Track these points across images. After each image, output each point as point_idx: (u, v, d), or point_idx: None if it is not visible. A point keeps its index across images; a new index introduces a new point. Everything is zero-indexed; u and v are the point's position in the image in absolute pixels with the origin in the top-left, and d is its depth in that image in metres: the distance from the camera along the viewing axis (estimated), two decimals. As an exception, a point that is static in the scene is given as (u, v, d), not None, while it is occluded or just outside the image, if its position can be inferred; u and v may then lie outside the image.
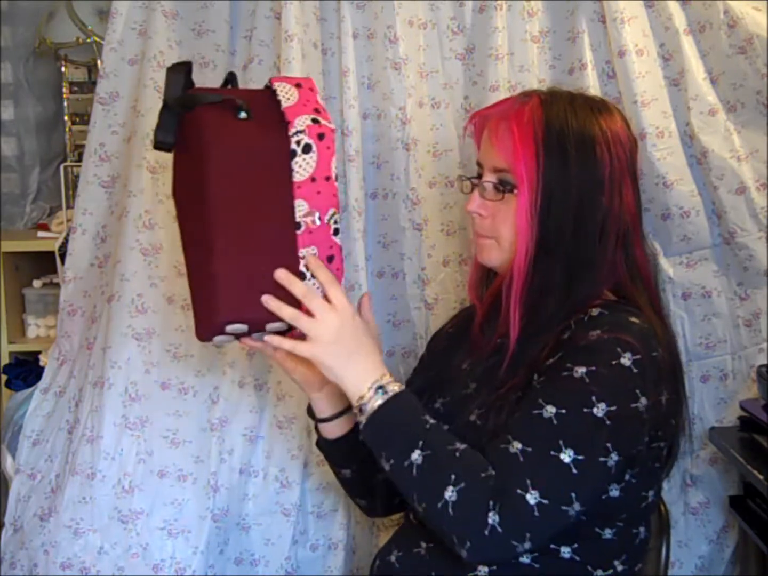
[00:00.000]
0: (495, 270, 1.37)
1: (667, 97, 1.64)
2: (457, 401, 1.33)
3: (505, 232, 1.30)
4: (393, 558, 1.32)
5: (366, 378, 1.24)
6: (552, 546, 1.23)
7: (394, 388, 1.24)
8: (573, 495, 1.15)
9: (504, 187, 1.28)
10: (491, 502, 1.14)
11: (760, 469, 1.46)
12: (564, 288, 1.26)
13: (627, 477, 1.24)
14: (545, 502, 1.13)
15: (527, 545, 1.15)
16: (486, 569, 1.23)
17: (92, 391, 1.66)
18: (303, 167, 1.24)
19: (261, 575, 1.67)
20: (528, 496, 1.13)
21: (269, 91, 1.30)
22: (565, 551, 1.24)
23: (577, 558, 1.24)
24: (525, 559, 1.22)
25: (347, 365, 1.24)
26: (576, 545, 1.24)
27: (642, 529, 1.30)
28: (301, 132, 1.24)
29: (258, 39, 1.68)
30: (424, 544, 1.28)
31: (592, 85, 1.64)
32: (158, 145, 1.30)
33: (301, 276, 1.26)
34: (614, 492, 1.23)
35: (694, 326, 1.67)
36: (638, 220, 1.33)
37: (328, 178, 1.26)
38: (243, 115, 1.25)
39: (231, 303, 1.24)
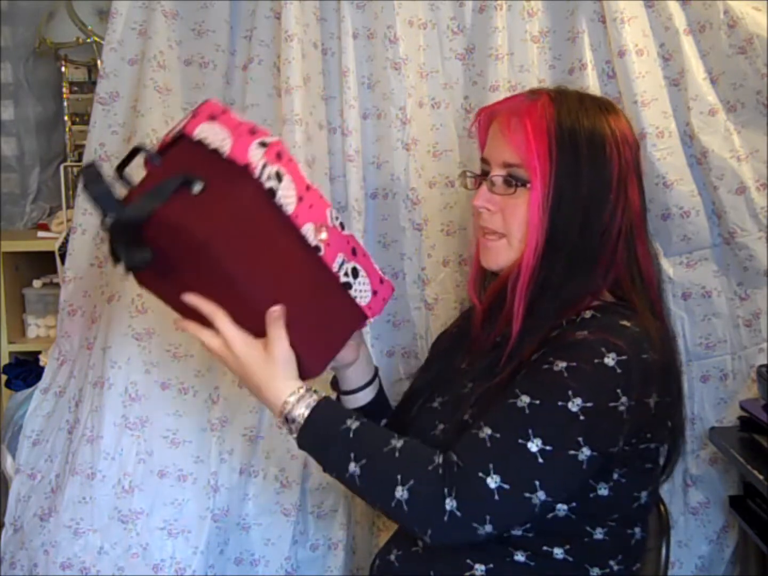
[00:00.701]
0: (498, 272, 1.36)
1: (667, 97, 1.64)
2: (455, 401, 1.33)
3: (514, 228, 1.29)
4: (392, 557, 1.32)
5: (275, 409, 1.22)
6: (545, 548, 1.23)
7: (301, 410, 1.20)
8: (536, 483, 1.15)
9: (515, 181, 1.28)
10: (446, 489, 1.14)
11: (760, 469, 1.46)
12: (562, 284, 1.26)
13: (615, 477, 1.23)
14: (506, 486, 1.14)
15: (488, 528, 1.15)
16: (483, 567, 1.23)
17: (92, 391, 1.66)
18: (287, 196, 1.17)
19: (261, 575, 1.67)
20: (489, 480, 1.14)
21: (190, 143, 1.17)
22: (558, 552, 1.24)
23: (570, 558, 1.24)
24: (520, 558, 1.23)
25: (260, 395, 1.23)
26: (568, 546, 1.24)
27: (637, 530, 1.30)
28: (264, 167, 1.15)
29: (258, 39, 1.68)
30: (421, 543, 1.28)
31: (592, 85, 1.64)
32: (137, 267, 1.18)
33: (347, 286, 1.25)
34: (603, 491, 1.23)
35: (694, 326, 1.67)
36: (643, 219, 1.33)
37: (308, 188, 1.20)
38: (198, 187, 1.13)
39: (313, 359, 1.25)
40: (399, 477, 1.16)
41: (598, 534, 1.25)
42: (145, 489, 1.62)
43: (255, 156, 1.14)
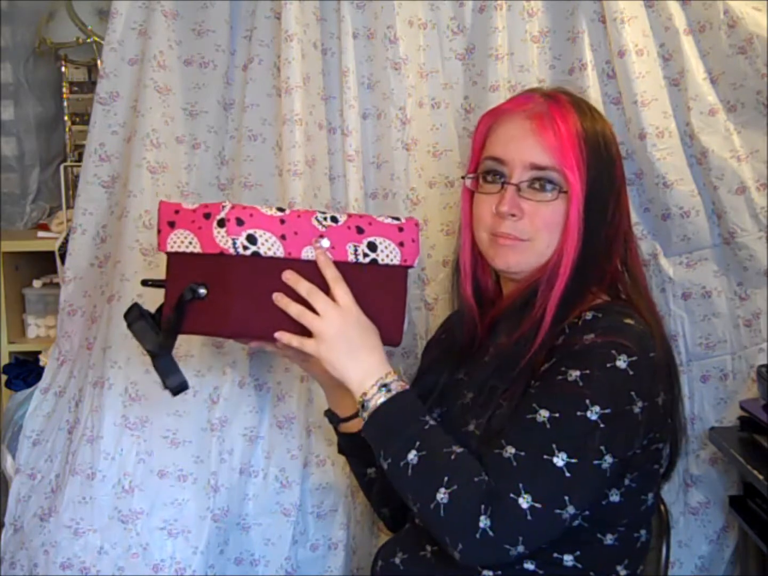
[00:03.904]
0: (511, 277, 1.33)
1: (667, 97, 1.64)
2: (455, 411, 1.32)
3: (544, 234, 1.26)
4: (397, 560, 1.32)
5: (370, 375, 1.24)
6: (555, 555, 1.23)
7: (398, 387, 1.23)
8: (566, 498, 1.14)
9: (552, 186, 1.25)
10: (482, 506, 1.13)
11: (760, 469, 1.46)
12: (579, 290, 1.25)
13: (627, 482, 1.23)
14: (538, 506, 1.13)
15: (520, 548, 1.15)
16: (491, 573, 1.22)
17: (92, 391, 1.65)
18: (271, 246, 1.24)
19: (261, 575, 1.67)
20: (520, 500, 1.13)
21: (172, 255, 1.30)
22: (568, 559, 1.23)
23: (580, 566, 1.23)
24: (530, 566, 1.22)
25: (350, 361, 1.24)
26: (578, 552, 1.23)
27: (643, 532, 1.30)
28: (235, 243, 1.21)
29: (258, 39, 1.68)
30: (429, 548, 1.28)
31: (592, 85, 1.64)
32: (179, 391, 1.35)
33: (373, 262, 1.30)
34: (615, 497, 1.23)
35: (694, 326, 1.67)
36: (630, 218, 1.35)
37: (282, 221, 1.24)
38: (203, 290, 1.24)
39: (389, 332, 1.32)
40: (446, 479, 1.16)
41: (609, 540, 1.25)
42: (145, 489, 1.62)
43: (222, 240, 1.22)
